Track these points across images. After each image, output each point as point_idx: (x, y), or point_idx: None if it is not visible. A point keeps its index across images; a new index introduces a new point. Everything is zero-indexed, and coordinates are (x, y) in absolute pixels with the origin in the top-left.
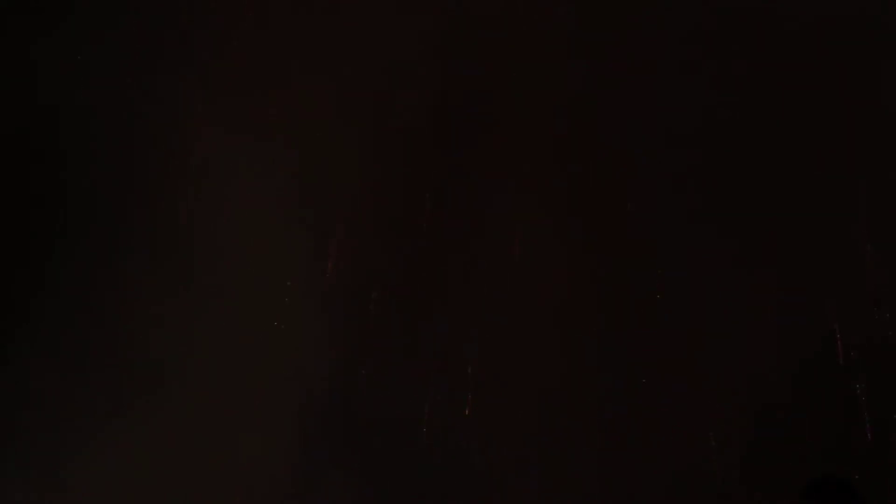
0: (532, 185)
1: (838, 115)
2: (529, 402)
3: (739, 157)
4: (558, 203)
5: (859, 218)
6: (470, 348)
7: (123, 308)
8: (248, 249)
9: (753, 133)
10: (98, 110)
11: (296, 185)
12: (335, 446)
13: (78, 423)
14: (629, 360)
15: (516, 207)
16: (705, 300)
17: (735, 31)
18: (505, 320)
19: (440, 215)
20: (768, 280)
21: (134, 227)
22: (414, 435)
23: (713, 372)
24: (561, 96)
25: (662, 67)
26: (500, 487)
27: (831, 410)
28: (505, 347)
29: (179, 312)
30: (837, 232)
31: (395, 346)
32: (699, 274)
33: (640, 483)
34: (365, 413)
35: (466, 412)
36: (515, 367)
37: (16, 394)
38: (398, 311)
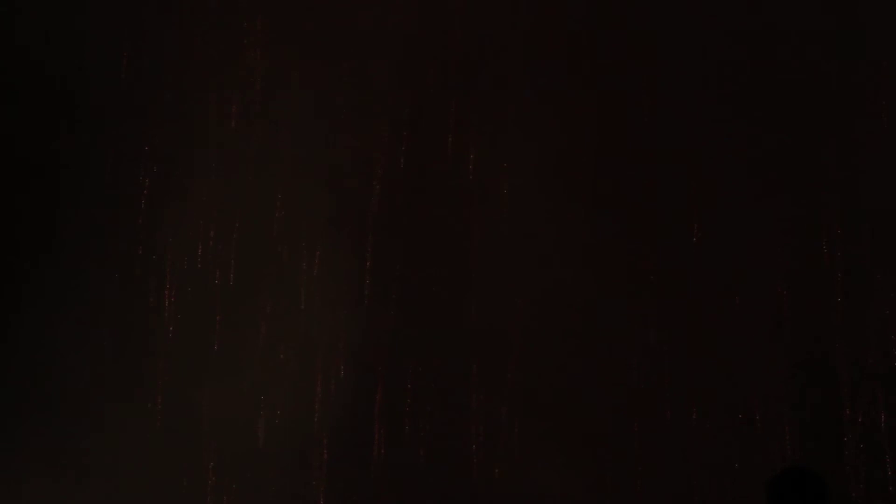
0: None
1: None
2: (532, 401)
3: (737, 142)
4: (558, 204)
5: (860, 218)
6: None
7: (129, 313)
8: (251, 250)
9: (750, 125)
10: (98, 109)
11: (293, 178)
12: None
13: (85, 422)
14: (627, 362)
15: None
16: (705, 297)
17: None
18: (504, 320)
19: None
20: (769, 282)
21: (141, 226)
22: (415, 436)
23: (713, 369)
24: (559, 48)
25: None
26: (501, 490)
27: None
28: (502, 348)
29: (183, 310)
30: (839, 234)
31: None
32: (699, 270)
33: (640, 485)
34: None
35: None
36: (516, 366)
37: (16, 392)
38: (394, 314)
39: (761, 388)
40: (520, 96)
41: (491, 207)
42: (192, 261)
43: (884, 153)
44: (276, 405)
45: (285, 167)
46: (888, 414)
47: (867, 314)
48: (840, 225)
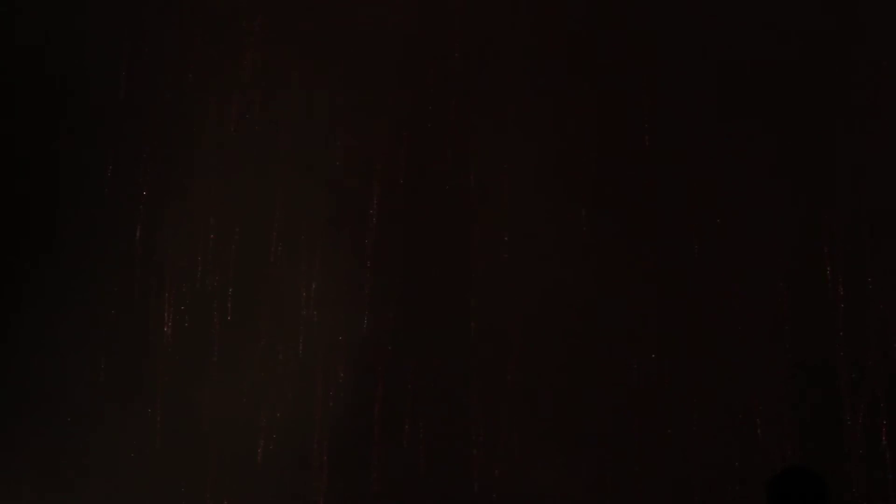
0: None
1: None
2: (533, 400)
3: (739, 140)
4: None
5: (861, 216)
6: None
7: (129, 313)
8: (255, 251)
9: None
10: (98, 109)
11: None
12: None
13: (86, 422)
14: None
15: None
16: (705, 297)
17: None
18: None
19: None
20: (769, 282)
21: (141, 226)
22: (415, 436)
23: (713, 369)
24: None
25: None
26: (501, 490)
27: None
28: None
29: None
30: (839, 234)
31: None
32: (700, 270)
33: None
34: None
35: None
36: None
37: (16, 392)
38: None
39: (761, 388)
40: (520, 96)
41: (491, 207)
42: (191, 261)
43: (884, 153)
44: (276, 405)
45: (285, 167)
46: (888, 414)
47: (867, 314)
48: (840, 225)
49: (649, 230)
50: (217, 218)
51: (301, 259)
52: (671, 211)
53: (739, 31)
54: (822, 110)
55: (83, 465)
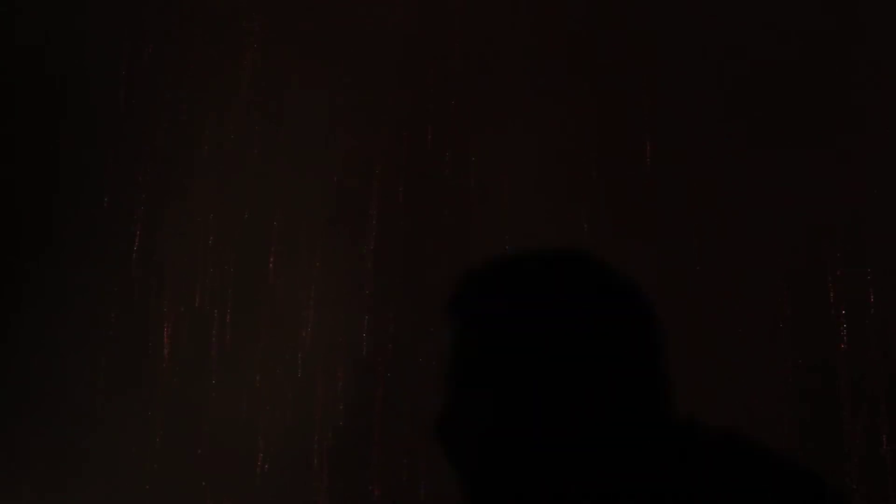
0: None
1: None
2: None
3: (739, 144)
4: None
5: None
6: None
7: (129, 313)
8: (255, 249)
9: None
10: (98, 109)
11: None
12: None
13: (84, 421)
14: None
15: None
16: (705, 298)
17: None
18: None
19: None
20: (769, 282)
21: (141, 227)
22: (416, 437)
23: (713, 369)
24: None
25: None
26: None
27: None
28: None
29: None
30: (839, 234)
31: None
32: (700, 270)
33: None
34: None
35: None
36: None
37: (16, 392)
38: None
39: (761, 388)
40: (520, 96)
41: (491, 207)
42: (192, 261)
43: (884, 153)
44: (276, 405)
45: (285, 167)
46: (888, 414)
47: (867, 314)
48: (840, 225)
49: (649, 230)
50: (217, 218)
51: (301, 259)
52: (671, 211)
53: (739, 31)
54: (822, 110)
55: (83, 466)
